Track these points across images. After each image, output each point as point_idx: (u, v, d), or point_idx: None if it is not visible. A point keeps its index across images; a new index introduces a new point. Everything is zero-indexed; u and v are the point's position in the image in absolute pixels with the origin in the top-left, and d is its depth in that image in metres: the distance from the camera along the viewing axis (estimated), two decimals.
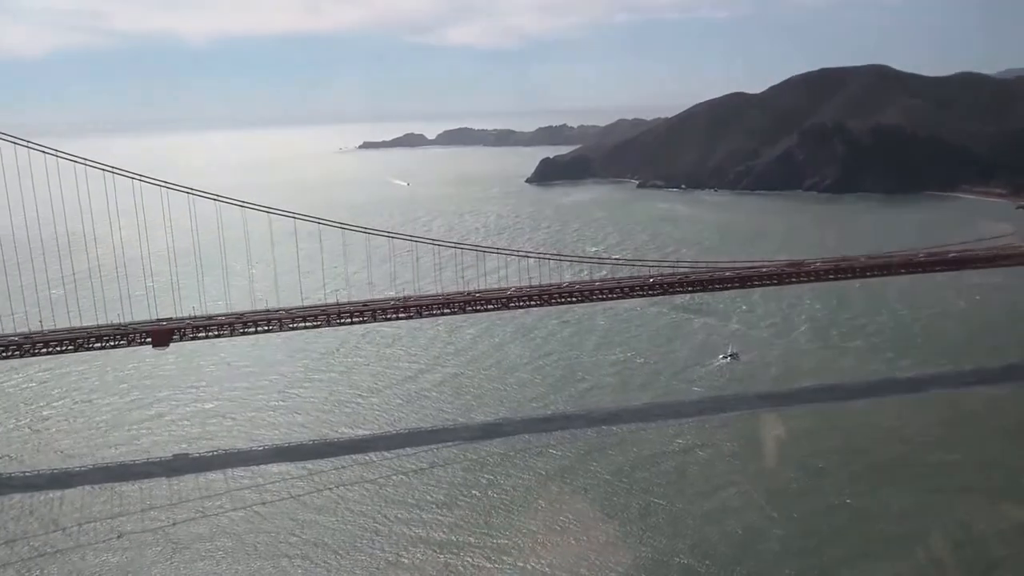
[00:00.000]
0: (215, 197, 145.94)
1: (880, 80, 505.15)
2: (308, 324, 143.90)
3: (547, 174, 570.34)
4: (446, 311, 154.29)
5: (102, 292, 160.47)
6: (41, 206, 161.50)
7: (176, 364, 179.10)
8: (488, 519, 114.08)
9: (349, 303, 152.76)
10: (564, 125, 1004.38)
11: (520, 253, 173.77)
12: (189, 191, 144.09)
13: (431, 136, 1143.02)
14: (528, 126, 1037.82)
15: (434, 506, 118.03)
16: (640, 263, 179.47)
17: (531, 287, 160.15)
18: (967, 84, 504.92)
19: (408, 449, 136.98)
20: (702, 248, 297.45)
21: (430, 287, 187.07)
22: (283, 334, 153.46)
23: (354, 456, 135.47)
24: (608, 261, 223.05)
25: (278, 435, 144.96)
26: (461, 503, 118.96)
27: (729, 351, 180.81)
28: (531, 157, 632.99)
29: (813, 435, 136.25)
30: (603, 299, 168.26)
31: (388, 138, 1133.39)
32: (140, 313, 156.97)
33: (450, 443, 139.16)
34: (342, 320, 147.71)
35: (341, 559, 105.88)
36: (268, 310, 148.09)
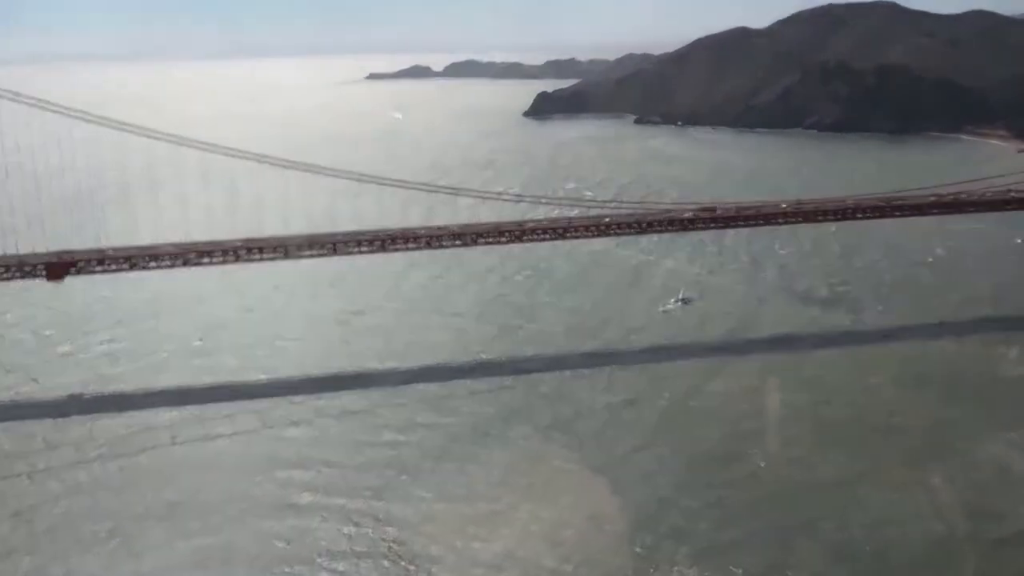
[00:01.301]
0: (147, 133, 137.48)
1: (890, 17, 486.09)
2: (215, 260, 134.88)
3: (544, 108, 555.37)
4: (398, 246, 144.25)
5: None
6: None
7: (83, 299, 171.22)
8: (382, 479, 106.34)
9: (287, 236, 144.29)
10: (573, 59, 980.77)
11: (480, 194, 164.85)
12: (121, 127, 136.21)
13: (438, 68, 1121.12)
14: (537, 59, 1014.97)
15: (319, 463, 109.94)
16: (613, 204, 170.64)
17: (486, 223, 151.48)
18: (982, 23, 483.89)
19: (317, 395, 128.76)
20: (687, 189, 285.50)
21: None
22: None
23: (249, 403, 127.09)
24: (579, 203, 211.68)
25: (188, 378, 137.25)
26: (347, 459, 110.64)
27: (681, 296, 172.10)
28: (535, 91, 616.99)
29: (752, 393, 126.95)
30: (558, 238, 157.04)
31: (394, 70, 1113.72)
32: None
33: (354, 391, 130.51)
34: (266, 256, 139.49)
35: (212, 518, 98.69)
36: (185, 243, 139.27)
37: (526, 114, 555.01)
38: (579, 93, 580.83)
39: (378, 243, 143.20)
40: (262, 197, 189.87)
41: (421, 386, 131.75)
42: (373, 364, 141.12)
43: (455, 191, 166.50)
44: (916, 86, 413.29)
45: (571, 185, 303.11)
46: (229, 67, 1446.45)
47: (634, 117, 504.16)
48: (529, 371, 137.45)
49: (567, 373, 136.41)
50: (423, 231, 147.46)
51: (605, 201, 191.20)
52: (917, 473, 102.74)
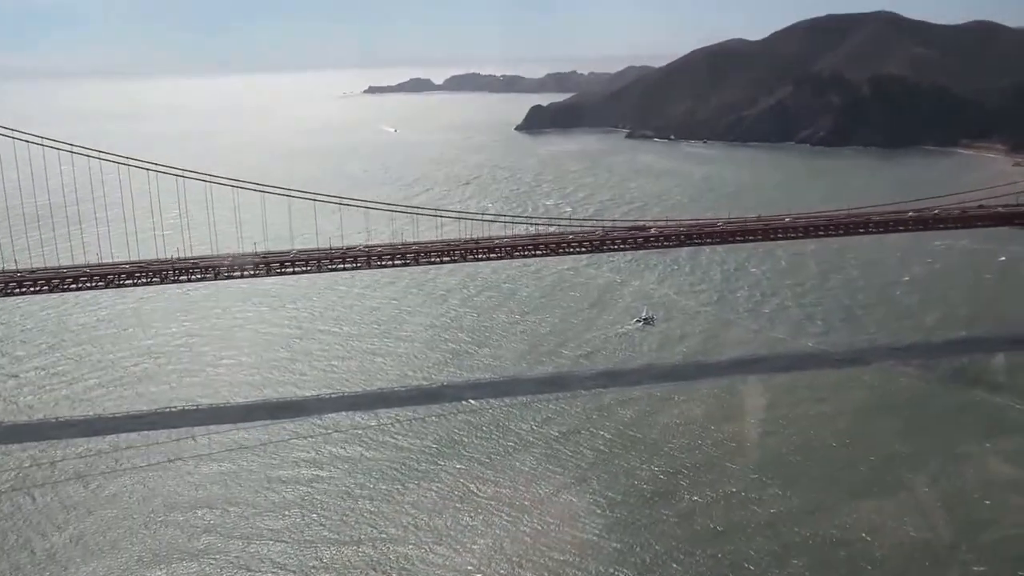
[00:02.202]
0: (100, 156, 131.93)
1: (888, 28, 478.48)
2: (139, 282, 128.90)
3: (537, 122, 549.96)
4: (345, 265, 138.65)
5: None
6: None
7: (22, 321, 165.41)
8: (286, 521, 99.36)
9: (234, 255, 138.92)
10: (573, 72, 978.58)
11: (450, 214, 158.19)
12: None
13: (438, 81, 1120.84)
14: (537, 72, 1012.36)
15: (224, 502, 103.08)
16: (591, 222, 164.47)
17: (447, 241, 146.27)
18: (983, 34, 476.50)
19: (241, 425, 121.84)
20: (668, 206, 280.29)
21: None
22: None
23: (169, 433, 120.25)
24: (536, 222, 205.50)
25: (112, 407, 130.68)
26: (256, 498, 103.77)
27: (643, 315, 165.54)
28: (534, 104, 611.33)
29: (699, 423, 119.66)
30: (505, 256, 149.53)
31: (394, 83, 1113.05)
32: None
33: (281, 422, 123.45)
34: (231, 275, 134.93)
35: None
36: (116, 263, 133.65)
37: (518, 128, 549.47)
38: (573, 106, 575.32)
39: (314, 263, 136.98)
40: (222, 216, 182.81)
41: (354, 416, 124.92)
42: (307, 392, 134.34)
43: (415, 211, 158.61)
44: (912, 97, 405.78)
45: (550, 202, 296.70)
46: (231, 82, 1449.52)
47: (626, 131, 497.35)
48: (472, 400, 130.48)
49: (512, 401, 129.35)
50: (363, 251, 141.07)
51: (570, 219, 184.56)
52: (858, 515, 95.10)
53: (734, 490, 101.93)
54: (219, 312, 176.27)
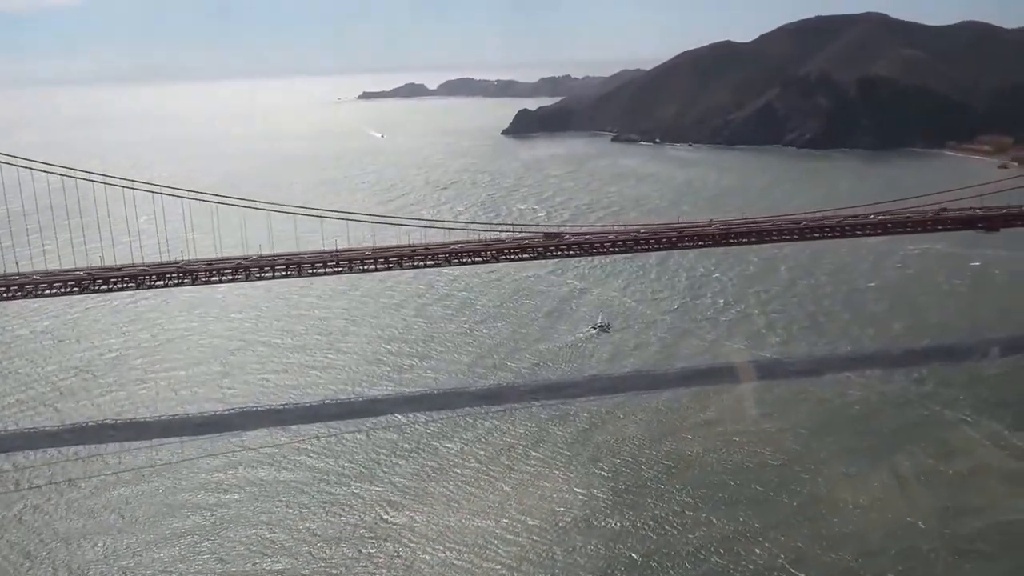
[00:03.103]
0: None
1: (877, 29, 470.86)
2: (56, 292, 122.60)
3: (525, 126, 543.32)
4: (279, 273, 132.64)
5: None
6: None
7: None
8: (177, 552, 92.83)
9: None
10: (567, 76, 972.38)
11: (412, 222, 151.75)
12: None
13: (432, 86, 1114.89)
14: (532, 77, 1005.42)
15: (105, 533, 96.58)
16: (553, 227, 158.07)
17: (381, 248, 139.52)
18: (975, 35, 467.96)
19: (152, 443, 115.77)
20: (645, 210, 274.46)
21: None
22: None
23: (68, 450, 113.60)
24: (475, 227, 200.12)
25: (27, 422, 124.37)
26: (145, 529, 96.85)
27: (598, 322, 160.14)
28: (528, 108, 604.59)
29: (641, 441, 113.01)
30: (459, 263, 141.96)
31: (388, 88, 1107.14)
32: None
33: (196, 440, 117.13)
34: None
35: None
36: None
37: (505, 132, 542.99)
38: (562, 110, 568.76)
39: (242, 271, 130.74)
40: (184, 224, 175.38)
41: (275, 434, 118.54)
42: (233, 408, 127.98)
43: (372, 219, 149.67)
44: (900, 99, 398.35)
45: (525, 206, 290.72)
46: (227, 87, 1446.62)
47: (613, 134, 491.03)
48: (402, 416, 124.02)
49: (446, 418, 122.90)
50: (292, 257, 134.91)
51: (513, 225, 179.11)
52: (786, 543, 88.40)
53: (663, 514, 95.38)
54: (163, 323, 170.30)
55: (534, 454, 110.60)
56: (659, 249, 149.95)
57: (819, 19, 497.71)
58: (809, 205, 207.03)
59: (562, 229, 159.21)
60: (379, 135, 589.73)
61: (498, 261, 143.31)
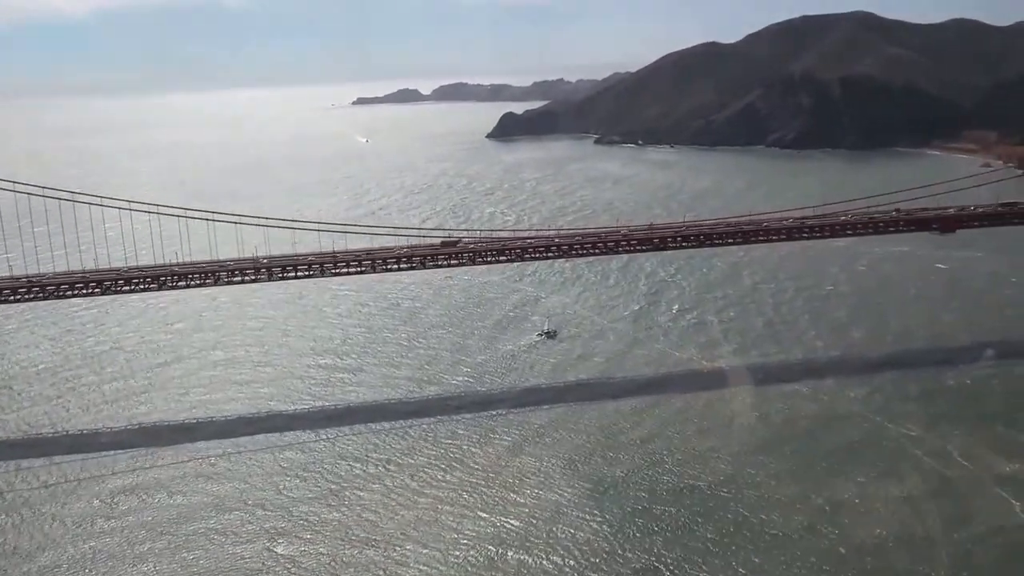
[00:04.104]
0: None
1: (863, 28, 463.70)
2: None
3: (508, 130, 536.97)
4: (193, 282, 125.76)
5: None
6: None
7: None
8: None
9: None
10: (561, 79, 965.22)
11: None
12: None
13: (426, 92, 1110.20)
14: (526, 81, 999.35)
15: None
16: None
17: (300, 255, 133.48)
18: (962, 33, 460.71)
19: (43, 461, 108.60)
20: (616, 213, 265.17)
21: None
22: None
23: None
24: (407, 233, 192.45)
25: None
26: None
27: (544, 329, 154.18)
28: (518, 111, 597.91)
29: (569, 462, 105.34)
30: (383, 270, 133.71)
31: (381, 94, 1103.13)
32: None
33: (126, 454, 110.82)
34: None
35: None
36: None
37: (489, 136, 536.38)
38: (547, 113, 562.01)
39: (156, 280, 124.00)
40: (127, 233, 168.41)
41: (179, 454, 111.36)
42: (142, 425, 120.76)
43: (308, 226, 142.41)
44: (884, 98, 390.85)
45: (490, 210, 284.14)
46: (228, 96, 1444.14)
47: (596, 136, 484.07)
48: (317, 435, 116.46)
49: (360, 437, 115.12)
50: (209, 265, 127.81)
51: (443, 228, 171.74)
52: None
53: (573, 546, 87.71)
54: (96, 335, 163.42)
55: (447, 478, 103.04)
56: (557, 257, 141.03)
57: (804, 19, 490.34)
58: (778, 207, 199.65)
59: (466, 235, 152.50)
60: (363, 140, 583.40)
61: (424, 268, 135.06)
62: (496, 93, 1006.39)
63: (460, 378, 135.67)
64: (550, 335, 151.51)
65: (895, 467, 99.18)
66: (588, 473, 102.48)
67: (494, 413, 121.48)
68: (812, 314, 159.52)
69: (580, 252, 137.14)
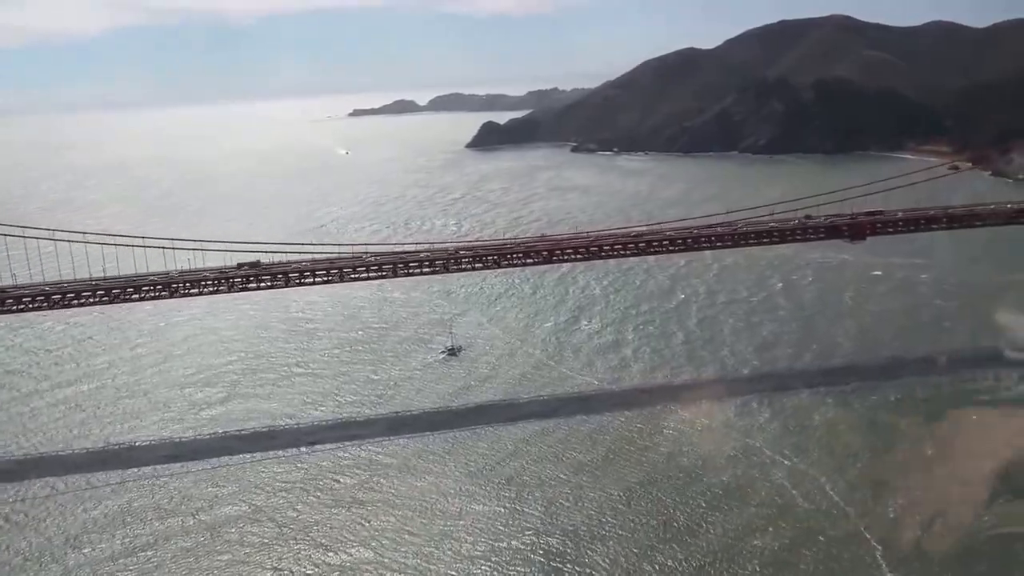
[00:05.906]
0: None
1: (840, 31, 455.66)
2: None
3: (489, 139, 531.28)
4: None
5: None
6: None
7: None
8: None
9: None
10: (555, 88, 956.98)
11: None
12: None
13: (422, 103, 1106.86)
14: (521, 91, 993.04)
15: None
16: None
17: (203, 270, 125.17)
18: (940, 35, 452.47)
19: None
20: (572, 223, 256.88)
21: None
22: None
23: None
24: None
25: None
26: None
27: (448, 344, 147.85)
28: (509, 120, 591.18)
29: (445, 505, 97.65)
30: (297, 284, 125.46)
31: (377, 105, 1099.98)
32: None
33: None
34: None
35: None
36: None
37: (469, 146, 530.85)
38: (529, 122, 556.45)
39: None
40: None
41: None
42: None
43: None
44: (858, 101, 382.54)
45: (440, 221, 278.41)
46: (223, 110, 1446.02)
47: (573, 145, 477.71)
48: (157, 469, 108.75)
49: (204, 472, 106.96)
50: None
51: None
52: None
53: None
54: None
55: (288, 515, 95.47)
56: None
57: (783, 23, 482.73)
58: (707, 212, 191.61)
59: (414, 247, 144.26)
60: (344, 152, 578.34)
61: (342, 281, 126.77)
62: (491, 103, 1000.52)
63: (345, 400, 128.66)
64: (453, 352, 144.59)
65: (778, 506, 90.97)
66: (445, 511, 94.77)
67: (366, 442, 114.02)
68: (736, 330, 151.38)
69: (461, 267, 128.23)
